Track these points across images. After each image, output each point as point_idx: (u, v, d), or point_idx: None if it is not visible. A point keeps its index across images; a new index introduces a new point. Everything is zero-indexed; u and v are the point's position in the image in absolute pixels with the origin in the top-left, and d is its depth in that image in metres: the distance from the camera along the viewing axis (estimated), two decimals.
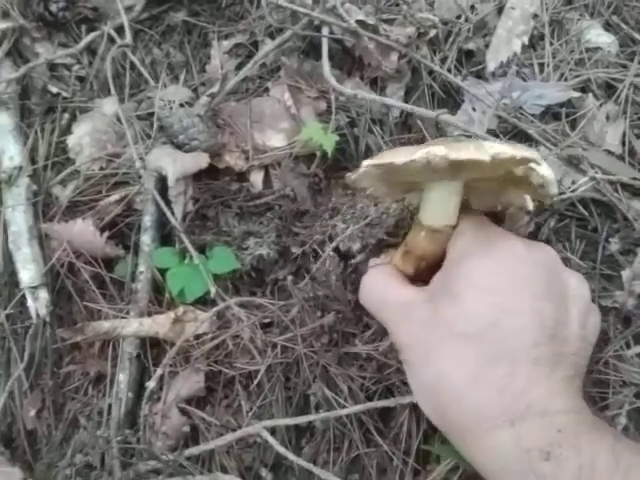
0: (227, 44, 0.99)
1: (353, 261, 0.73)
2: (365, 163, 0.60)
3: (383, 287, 0.62)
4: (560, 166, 0.76)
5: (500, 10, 0.96)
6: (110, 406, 0.74)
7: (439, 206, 0.61)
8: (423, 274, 0.64)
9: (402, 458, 0.71)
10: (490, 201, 0.69)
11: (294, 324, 0.73)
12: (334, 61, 0.92)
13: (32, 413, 0.76)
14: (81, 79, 0.94)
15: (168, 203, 0.78)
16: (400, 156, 0.54)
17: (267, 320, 0.75)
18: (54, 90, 0.92)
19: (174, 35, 1.01)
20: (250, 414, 0.73)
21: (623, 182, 0.75)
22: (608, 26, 0.96)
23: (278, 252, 0.79)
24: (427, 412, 0.56)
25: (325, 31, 0.87)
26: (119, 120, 0.87)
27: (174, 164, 0.76)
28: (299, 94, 0.92)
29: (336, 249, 0.74)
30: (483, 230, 0.59)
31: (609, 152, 0.80)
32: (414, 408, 0.71)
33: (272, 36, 0.97)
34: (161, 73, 0.97)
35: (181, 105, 0.89)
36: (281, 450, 0.66)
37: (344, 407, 0.70)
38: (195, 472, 0.67)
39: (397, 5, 0.92)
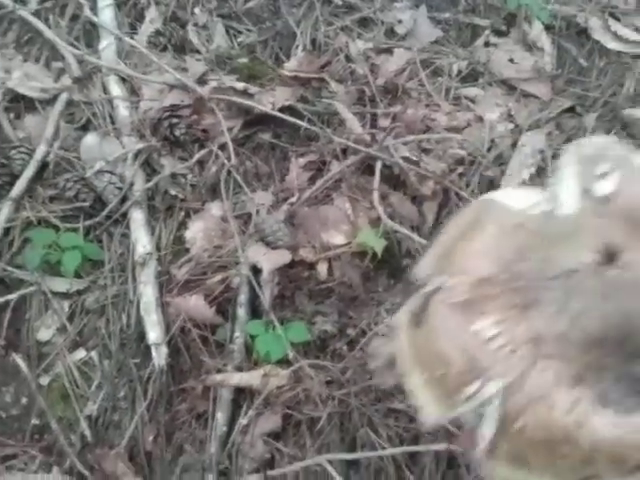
0: (302, 161, 1.29)
1: None
2: None
3: None
4: None
5: (514, 145, 1.24)
6: (209, 436, 1.00)
7: None
8: None
9: None
10: None
11: (349, 383, 0.99)
12: (384, 179, 1.21)
13: (150, 439, 1.03)
14: (193, 185, 1.25)
15: (259, 286, 1.07)
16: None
17: (329, 378, 1.01)
18: (173, 193, 1.23)
19: (261, 151, 1.32)
20: (312, 449, 0.98)
21: None
22: None
23: (338, 328, 1.06)
24: None
25: (379, 162, 1.16)
26: (223, 220, 1.17)
27: (268, 260, 1.05)
28: (356, 204, 1.21)
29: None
30: None
31: None
32: (436, 454, 0.95)
33: (337, 157, 1.27)
34: (252, 181, 1.27)
35: (268, 210, 1.18)
36: (336, 476, 0.91)
37: (383, 448, 0.95)
38: None
39: (437, 142, 1.21)
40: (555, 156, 1.23)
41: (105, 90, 1.42)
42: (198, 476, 0.98)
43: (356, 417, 0.98)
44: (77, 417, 1.03)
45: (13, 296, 1.10)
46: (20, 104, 1.41)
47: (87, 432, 1.02)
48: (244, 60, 1.44)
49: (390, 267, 1.16)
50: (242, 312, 1.07)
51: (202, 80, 1.40)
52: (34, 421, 1.05)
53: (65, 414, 1.04)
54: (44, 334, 1.09)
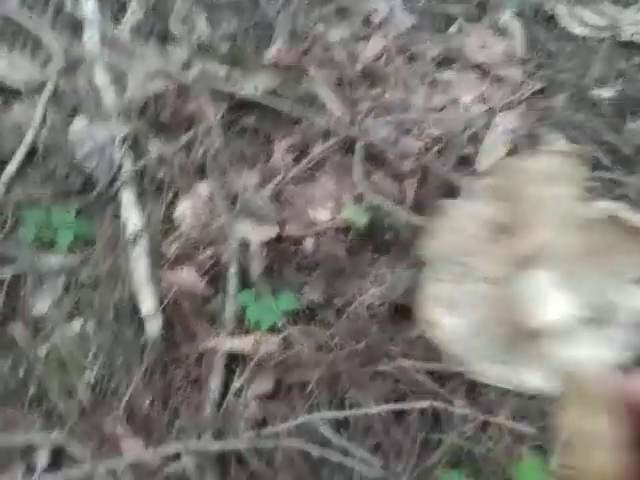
0: (285, 143, 1.34)
1: None
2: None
3: None
4: None
5: (488, 125, 1.31)
6: (204, 401, 1.04)
7: None
8: None
9: (411, 444, 1.01)
10: None
11: (337, 348, 1.04)
12: (366, 158, 1.27)
13: (147, 403, 1.07)
14: (180, 167, 1.29)
15: (249, 259, 1.11)
16: None
17: (317, 345, 1.06)
18: (161, 175, 1.27)
19: (246, 134, 1.37)
20: (303, 410, 1.03)
21: None
22: (569, 139, 1.31)
23: (324, 298, 1.11)
24: None
25: (359, 143, 1.22)
26: (210, 199, 1.22)
27: (256, 234, 1.10)
28: (340, 182, 1.26)
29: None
30: None
31: None
32: (421, 412, 1.01)
33: (320, 139, 1.32)
34: (238, 162, 1.32)
35: (255, 189, 1.23)
36: (328, 433, 0.96)
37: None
38: None
39: (414, 123, 1.27)
40: (530, 134, 1.30)
41: (90, 79, 1.45)
42: (195, 436, 1.02)
43: (344, 380, 1.03)
44: (75, 385, 1.07)
45: (7, 274, 1.13)
46: (6, 93, 1.44)
47: (85, 398, 1.06)
48: (226, 48, 1.48)
49: (374, 241, 1.22)
50: (232, 284, 1.11)
51: (185, 67, 1.44)
52: (32, 391, 1.08)
53: (63, 382, 1.07)
54: (39, 308, 1.13)
